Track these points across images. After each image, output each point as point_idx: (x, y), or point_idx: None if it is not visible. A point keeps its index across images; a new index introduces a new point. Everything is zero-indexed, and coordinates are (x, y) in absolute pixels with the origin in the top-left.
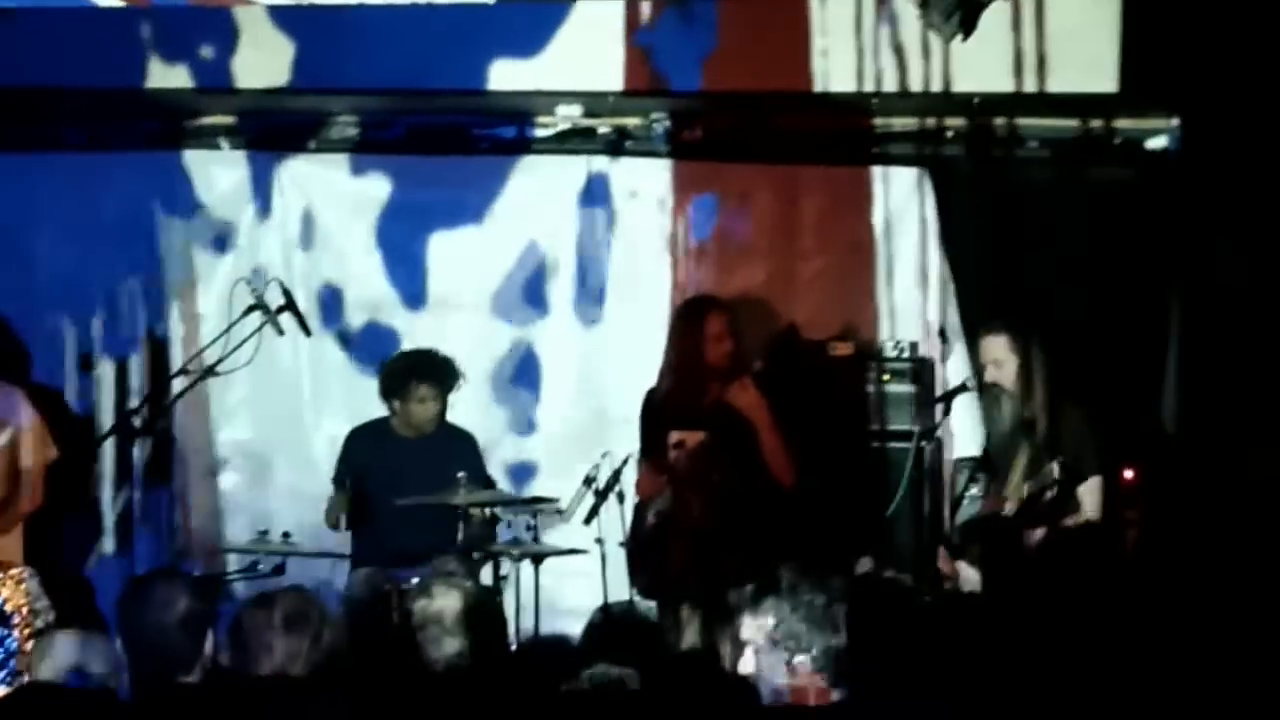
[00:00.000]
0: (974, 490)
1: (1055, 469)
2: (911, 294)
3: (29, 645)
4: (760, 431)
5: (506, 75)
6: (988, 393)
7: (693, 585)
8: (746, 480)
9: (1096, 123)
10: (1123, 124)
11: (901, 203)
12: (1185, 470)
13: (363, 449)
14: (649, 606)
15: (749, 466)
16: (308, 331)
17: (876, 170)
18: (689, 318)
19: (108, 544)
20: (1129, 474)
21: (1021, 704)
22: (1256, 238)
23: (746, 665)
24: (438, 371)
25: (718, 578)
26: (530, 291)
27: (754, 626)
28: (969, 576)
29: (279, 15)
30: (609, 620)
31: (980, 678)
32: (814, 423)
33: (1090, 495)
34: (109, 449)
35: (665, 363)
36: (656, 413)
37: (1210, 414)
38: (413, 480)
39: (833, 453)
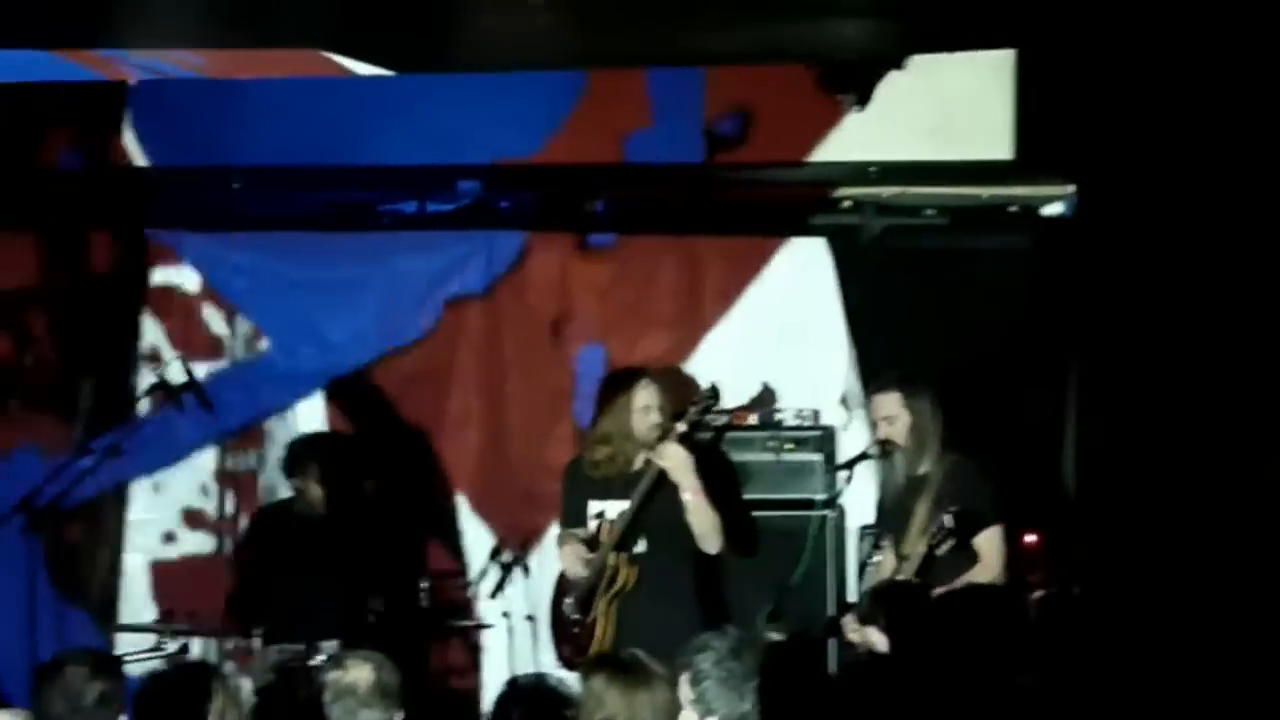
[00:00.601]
0: (877, 557)
1: (948, 519)
2: (813, 362)
3: None
4: (686, 493)
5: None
6: (881, 450)
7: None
8: (669, 549)
9: (993, 190)
10: (1019, 191)
11: (802, 272)
12: (1087, 534)
13: (269, 528)
14: (559, 679)
15: (672, 535)
16: (209, 406)
17: (777, 241)
18: (616, 389)
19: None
20: (1031, 538)
21: None
22: (1151, 301)
23: None
24: (337, 451)
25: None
26: None
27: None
28: (878, 642)
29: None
30: (517, 692)
31: None
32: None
33: (988, 545)
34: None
35: (591, 434)
36: (578, 483)
37: (1109, 477)
38: (322, 556)
39: (742, 522)
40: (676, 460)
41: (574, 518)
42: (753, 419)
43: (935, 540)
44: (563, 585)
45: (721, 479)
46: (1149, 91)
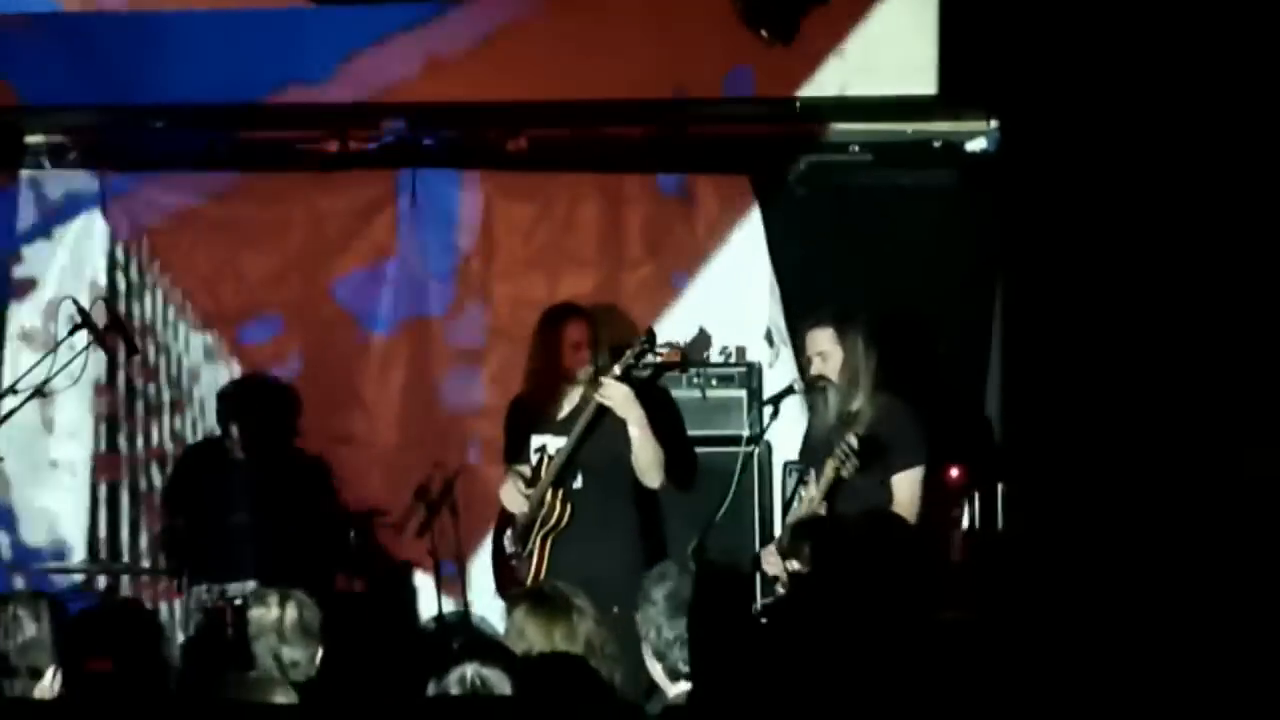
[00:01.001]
0: (802, 492)
1: (852, 440)
2: (737, 299)
3: None
4: (634, 427)
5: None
6: (812, 387)
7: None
8: (606, 485)
9: (917, 125)
10: (942, 126)
11: (726, 209)
12: (1010, 469)
13: (196, 467)
14: (482, 617)
15: (609, 471)
16: (135, 349)
17: (702, 177)
18: (549, 326)
19: None
20: (954, 472)
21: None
22: (1075, 237)
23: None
24: (271, 397)
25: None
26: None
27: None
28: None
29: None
30: (444, 631)
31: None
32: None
33: (906, 485)
34: None
35: (527, 370)
36: (519, 418)
37: (1033, 413)
38: (250, 497)
39: (684, 456)
40: (619, 396)
41: (516, 452)
42: (676, 356)
43: (839, 460)
44: (503, 520)
45: (663, 414)
46: (1072, 25)
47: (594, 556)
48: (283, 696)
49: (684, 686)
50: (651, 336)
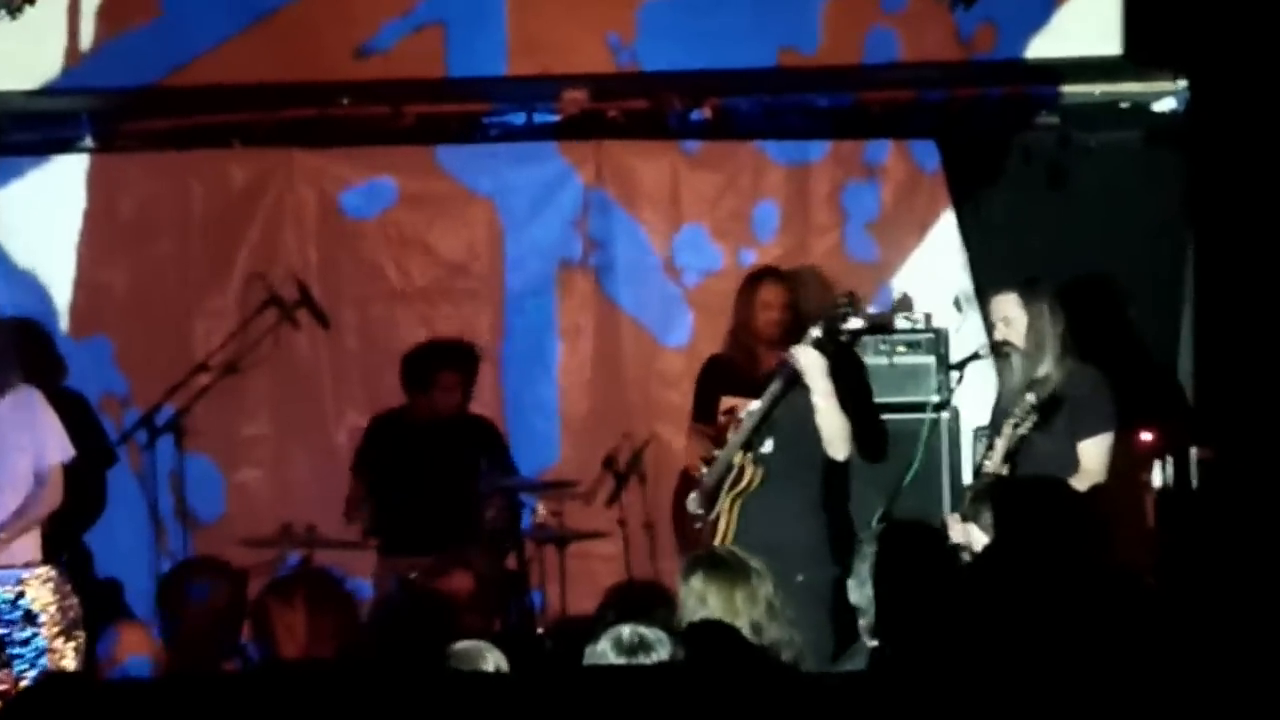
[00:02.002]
0: (988, 460)
1: (1030, 399)
2: (925, 264)
3: (58, 643)
4: (817, 397)
5: None
6: (998, 352)
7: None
8: (796, 451)
9: (1104, 87)
10: (1130, 87)
11: (914, 173)
12: (1203, 432)
13: (384, 438)
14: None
15: (800, 437)
16: (325, 324)
17: (888, 142)
18: (747, 287)
19: (134, 540)
20: (1147, 436)
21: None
22: (1265, 195)
23: None
24: (461, 359)
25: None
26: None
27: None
28: (977, 540)
29: None
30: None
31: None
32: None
33: (1092, 452)
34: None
35: (728, 330)
36: (711, 379)
37: (1226, 375)
38: (435, 468)
39: (872, 428)
40: (809, 362)
41: (705, 413)
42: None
43: (1017, 420)
44: (687, 482)
45: (854, 384)
46: None
47: (780, 523)
48: (491, 662)
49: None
50: (852, 298)
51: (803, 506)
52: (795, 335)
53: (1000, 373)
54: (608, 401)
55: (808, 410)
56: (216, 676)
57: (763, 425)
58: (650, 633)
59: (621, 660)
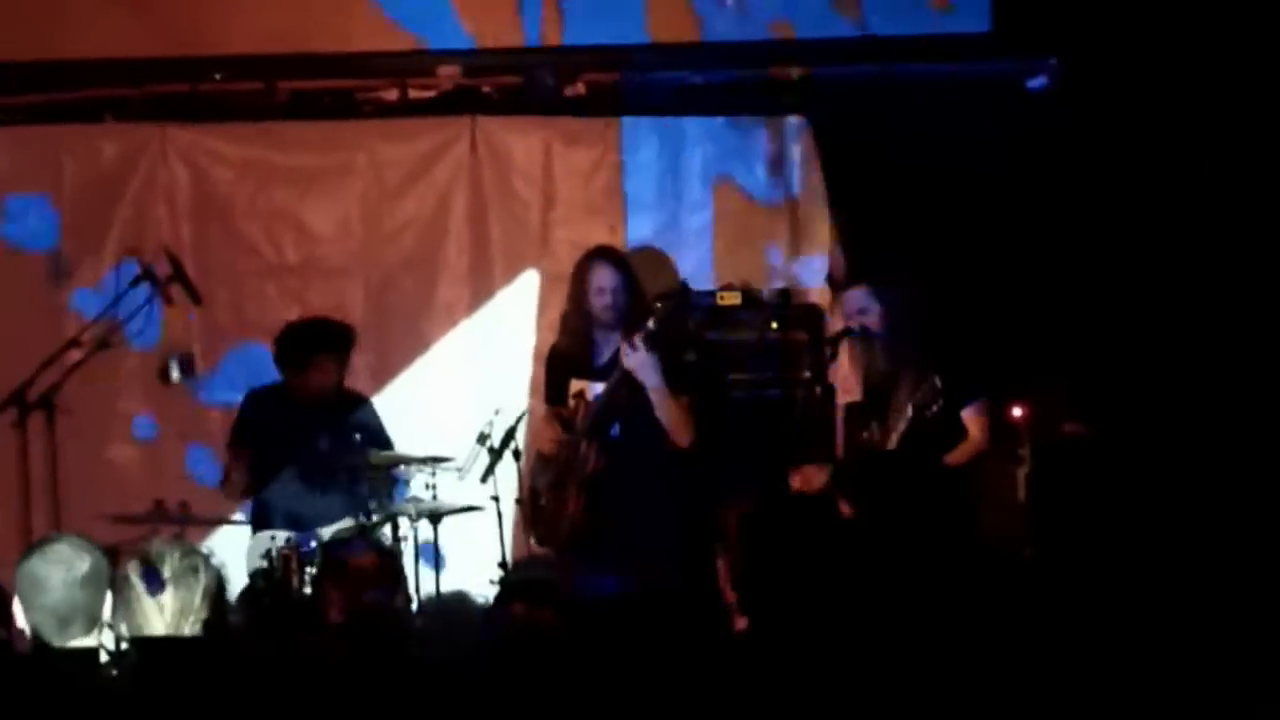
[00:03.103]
0: (865, 435)
1: (935, 381)
2: (797, 240)
3: None
4: (650, 392)
5: None
6: (861, 340)
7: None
8: (642, 435)
9: (975, 65)
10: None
11: (787, 152)
12: (1076, 408)
13: (260, 413)
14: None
15: (645, 422)
16: (198, 300)
17: (761, 120)
18: (579, 268)
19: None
20: (1017, 411)
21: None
22: (1136, 173)
23: None
24: (336, 340)
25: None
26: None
27: None
28: (844, 512)
29: None
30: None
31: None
32: (706, 373)
33: (975, 419)
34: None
35: (562, 313)
36: (556, 361)
37: (1096, 351)
38: (312, 444)
39: (729, 402)
40: (637, 362)
41: (557, 395)
42: (736, 299)
43: (923, 400)
44: (538, 464)
45: (690, 375)
46: None
47: (630, 506)
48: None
49: None
50: (684, 291)
51: (653, 488)
52: (631, 317)
53: (865, 358)
54: (482, 376)
55: (648, 400)
56: (87, 652)
57: (608, 410)
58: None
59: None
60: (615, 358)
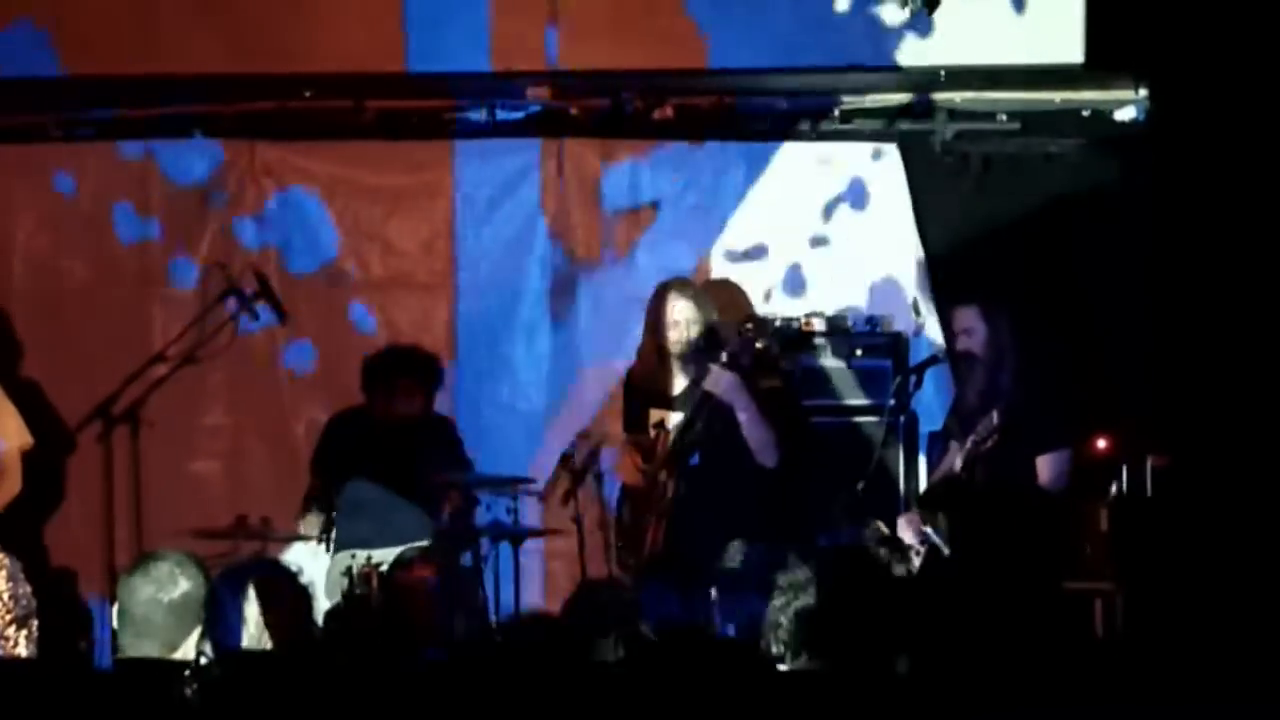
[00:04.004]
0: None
1: (994, 417)
2: (884, 267)
3: (10, 631)
4: (740, 413)
5: None
6: (960, 362)
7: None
8: (722, 463)
9: (1064, 94)
10: (1090, 95)
11: (873, 177)
12: (1160, 442)
13: (344, 435)
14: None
15: (725, 449)
16: (283, 316)
17: (847, 146)
18: (655, 300)
19: (87, 530)
20: (1103, 443)
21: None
22: (1224, 206)
23: None
24: (423, 367)
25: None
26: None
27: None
28: (935, 544)
29: None
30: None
31: (945, 639)
32: (791, 400)
33: (1048, 464)
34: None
35: (640, 344)
36: (634, 391)
37: (1184, 385)
38: (394, 465)
39: (811, 429)
40: (722, 385)
41: (635, 423)
42: (820, 325)
43: (980, 436)
44: (621, 492)
45: (777, 394)
46: None
47: (709, 533)
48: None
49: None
50: (758, 322)
51: (733, 515)
52: (706, 348)
53: (960, 378)
54: (565, 400)
55: (728, 423)
56: (170, 665)
57: (688, 438)
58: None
59: None
60: (692, 387)
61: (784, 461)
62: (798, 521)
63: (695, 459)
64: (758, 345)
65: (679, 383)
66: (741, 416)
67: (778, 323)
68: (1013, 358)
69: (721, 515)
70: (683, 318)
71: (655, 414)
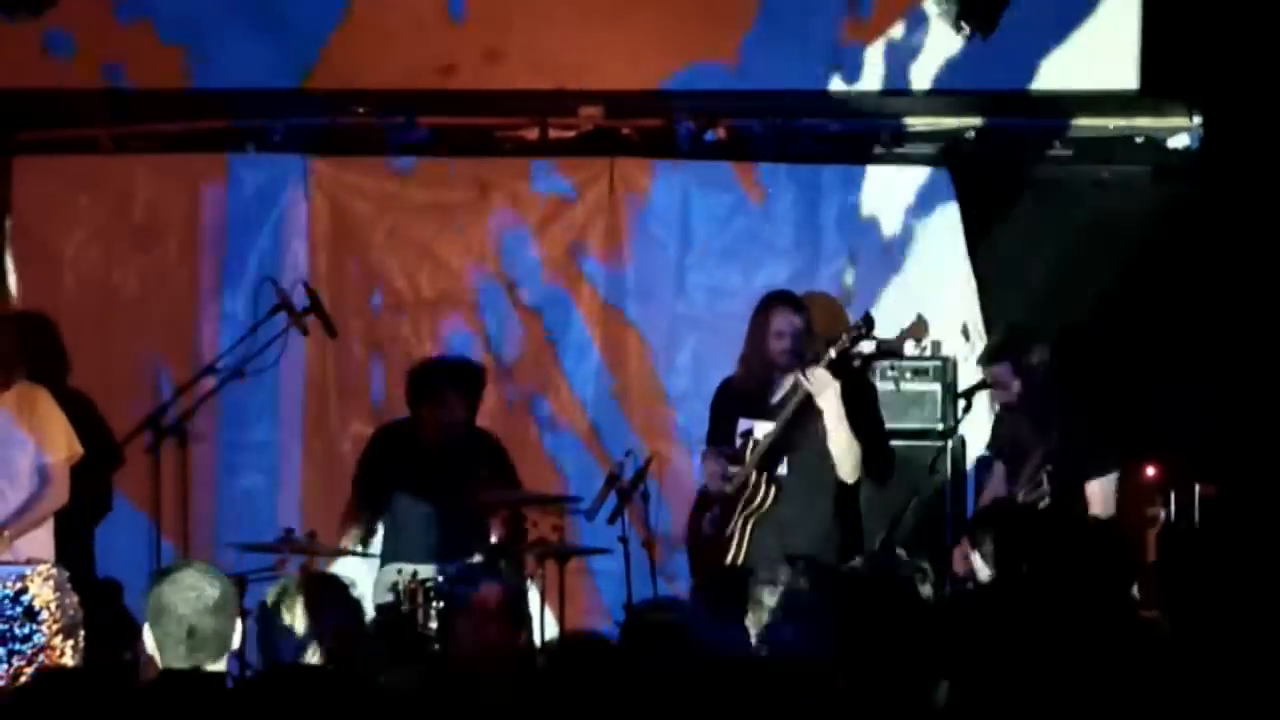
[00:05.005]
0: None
1: (1044, 479)
2: (934, 291)
3: (57, 641)
4: (829, 419)
5: None
6: (1002, 406)
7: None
8: (809, 473)
9: (1118, 121)
10: (1144, 122)
11: (925, 202)
12: (1209, 468)
13: (389, 449)
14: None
15: (813, 459)
16: (333, 332)
17: (900, 170)
18: (759, 312)
19: (134, 542)
20: (1151, 471)
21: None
22: (1276, 236)
23: None
24: (467, 379)
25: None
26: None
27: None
28: (980, 568)
29: None
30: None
31: (987, 667)
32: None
33: (1097, 493)
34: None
35: (742, 354)
36: (727, 402)
37: (1234, 412)
38: (439, 480)
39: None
40: (822, 385)
41: (721, 435)
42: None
43: (1030, 496)
44: (703, 502)
45: (866, 408)
46: (1276, 20)
47: (791, 544)
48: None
49: None
50: (869, 321)
51: (814, 528)
52: (807, 359)
53: (1001, 421)
54: (612, 418)
55: (820, 434)
56: (214, 677)
57: (777, 447)
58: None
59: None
60: (787, 397)
61: (863, 478)
62: (859, 541)
63: (783, 468)
64: (859, 349)
65: (776, 394)
66: (828, 423)
67: (877, 336)
68: (1053, 395)
69: (803, 526)
70: (787, 328)
71: (744, 424)
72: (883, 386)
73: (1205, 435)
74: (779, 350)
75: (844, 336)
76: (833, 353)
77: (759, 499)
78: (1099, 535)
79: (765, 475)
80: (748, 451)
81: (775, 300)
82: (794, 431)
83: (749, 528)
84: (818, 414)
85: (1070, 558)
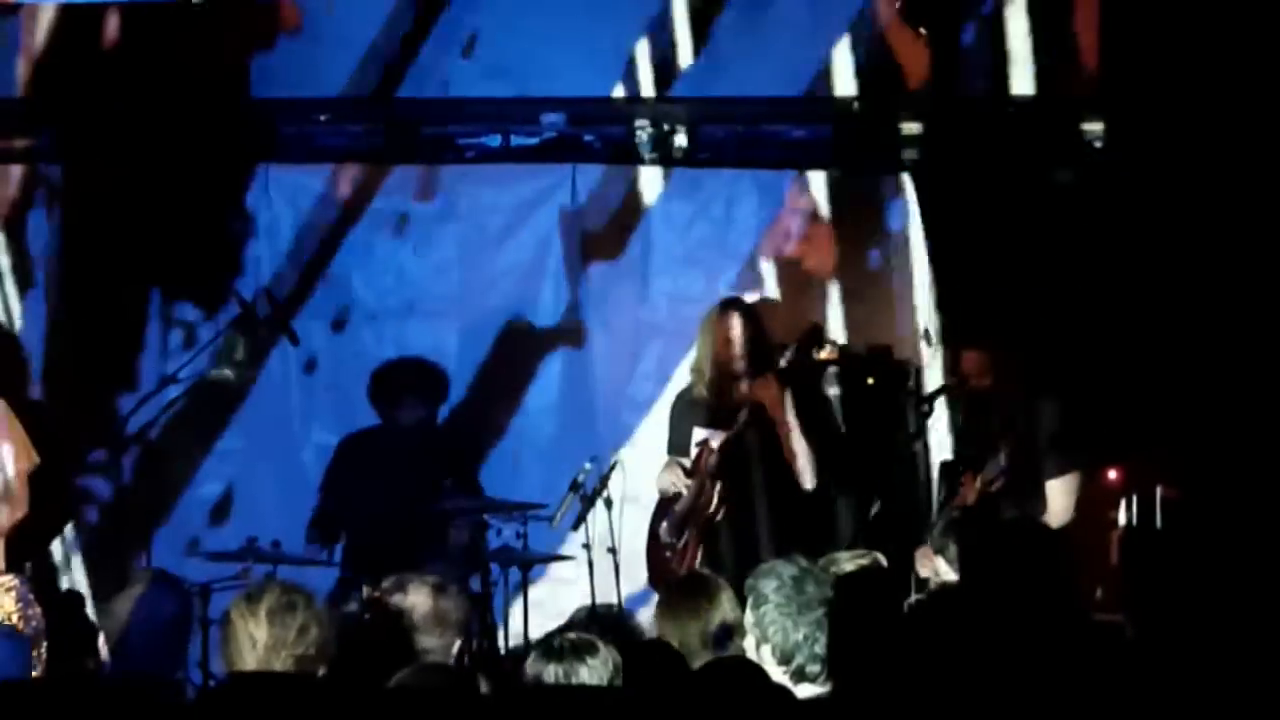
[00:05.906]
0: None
1: (1001, 459)
2: (894, 296)
3: None
4: (781, 427)
5: None
6: (971, 398)
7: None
8: (764, 480)
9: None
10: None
11: (887, 207)
12: (1170, 471)
13: (353, 458)
14: (632, 611)
15: (768, 467)
16: (295, 340)
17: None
18: (713, 319)
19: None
20: (1112, 475)
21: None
22: (1234, 236)
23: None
24: (427, 379)
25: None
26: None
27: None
28: (945, 573)
29: None
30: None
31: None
32: (832, 422)
33: (1059, 493)
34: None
35: (693, 363)
36: (681, 411)
37: (1194, 412)
38: (402, 487)
39: (837, 458)
40: (772, 396)
41: (679, 444)
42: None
43: (989, 477)
44: (661, 510)
45: (820, 415)
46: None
47: (747, 550)
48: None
49: (810, 690)
50: (818, 331)
51: (769, 536)
52: (760, 366)
53: (970, 417)
54: (575, 425)
55: (773, 441)
56: (167, 684)
57: (732, 456)
58: (583, 638)
59: (553, 666)
60: (738, 404)
61: (821, 484)
62: (823, 546)
63: (738, 475)
64: (814, 358)
65: (729, 401)
66: (786, 431)
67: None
68: (1020, 396)
69: (759, 533)
70: (740, 334)
71: (699, 433)
72: (844, 391)
73: (1167, 438)
74: (731, 356)
75: (791, 348)
76: (781, 363)
77: (713, 507)
78: (1054, 543)
79: (720, 484)
80: (702, 461)
81: (726, 306)
82: (748, 440)
83: (702, 535)
84: (771, 423)
85: (1027, 565)
